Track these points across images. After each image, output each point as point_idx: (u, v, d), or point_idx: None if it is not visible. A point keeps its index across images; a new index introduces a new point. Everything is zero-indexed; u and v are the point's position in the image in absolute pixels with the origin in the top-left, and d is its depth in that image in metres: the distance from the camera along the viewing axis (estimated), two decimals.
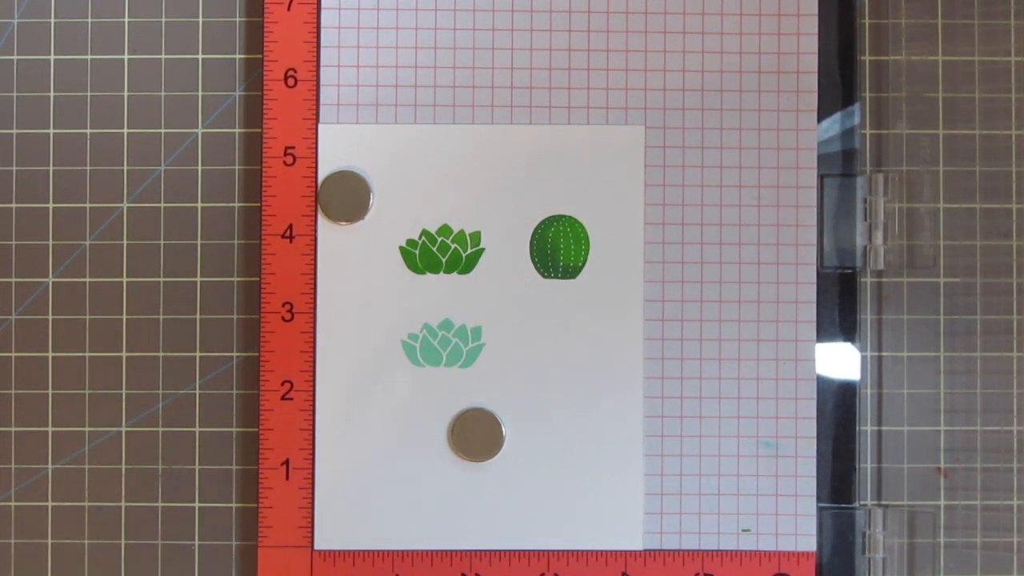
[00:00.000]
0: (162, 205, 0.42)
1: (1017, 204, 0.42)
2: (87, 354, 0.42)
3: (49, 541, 0.42)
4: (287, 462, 0.41)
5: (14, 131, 0.42)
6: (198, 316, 0.42)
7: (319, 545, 0.40)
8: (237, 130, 0.42)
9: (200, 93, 0.42)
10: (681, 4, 0.41)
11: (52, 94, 0.42)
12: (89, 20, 0.42)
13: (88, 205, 0.42)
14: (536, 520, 0.40)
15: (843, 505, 0.41)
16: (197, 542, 0.41)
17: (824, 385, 0.41)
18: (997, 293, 0.41)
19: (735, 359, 0.41)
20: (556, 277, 0.41)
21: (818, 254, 0.41)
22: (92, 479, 0.42)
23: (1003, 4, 0.42)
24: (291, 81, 0.41)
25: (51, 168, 0.42)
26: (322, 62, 0.41)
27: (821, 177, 0.41)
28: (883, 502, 0.41)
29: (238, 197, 0.42)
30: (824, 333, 0.41)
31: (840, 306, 0.41)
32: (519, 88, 0.41)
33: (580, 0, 0.41)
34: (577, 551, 0.40)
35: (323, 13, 0.41)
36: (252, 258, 0.42)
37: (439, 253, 0.41)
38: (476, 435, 0.40)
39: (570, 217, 0.41)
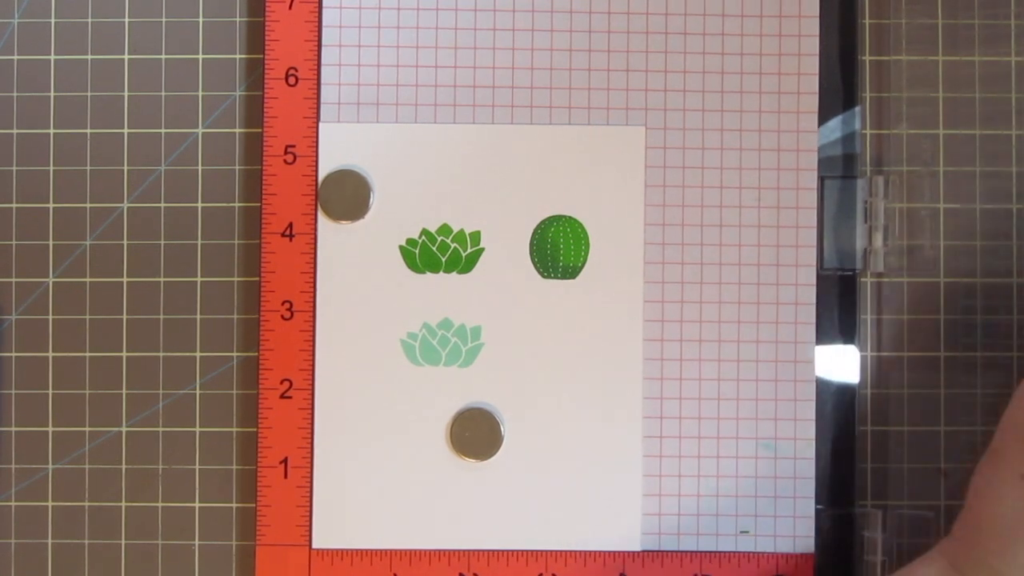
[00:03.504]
0: (162, 205, 0.42)
1: (1017, 205, 0.42)
2: (87, 354, 0.42)
3: (49, 541, 0.42)
4: (285, 461, 0.41)
5: (14, 131, 0.42)
6: (198, 316, 0.42)
7: (317, 544, 0.40)
8: (237, 130, 0.42)
9: (200, 93, 0.42)
10: (682, 4, 0.41)
11: (52, 94, 0.42)
12: (89, 20, 0.42)
13: (88, 205, 0.42)
14: (534, 520, 0.40)
15: (842, 507, 0.41)
16: (197, 542, 0.41)
17: (824, 386, 0.41)
18: (997, 294, 0.41)
19: (734, 360, 0.41)
20: (556, 277, 0.41)
21: (818, 256, 0.41)
22: (92, 479, 0.42)
23: (1004, 5, 0.42)
24: (292, 80, 0.41)
25: (51, 168, 0.42)
26: (323, 61, 0.41)
27: (821, 179, 0.41)
28: (883, 503, 0.41)
29: (238, 197, 0.42)
30: (824, 334, 0.41)
31: (840, 307, 0.41)
32: (519, 88, 0.41)
33: (581, 0, 0.41)
34: (575, 551, 0.40)
35: (324, 12, 0.41)
36: (252, 258, 0.42)
37: (439, 252, 0.41)
38: (475, 435, 0.40)
39: (570, 217, 0.41)
